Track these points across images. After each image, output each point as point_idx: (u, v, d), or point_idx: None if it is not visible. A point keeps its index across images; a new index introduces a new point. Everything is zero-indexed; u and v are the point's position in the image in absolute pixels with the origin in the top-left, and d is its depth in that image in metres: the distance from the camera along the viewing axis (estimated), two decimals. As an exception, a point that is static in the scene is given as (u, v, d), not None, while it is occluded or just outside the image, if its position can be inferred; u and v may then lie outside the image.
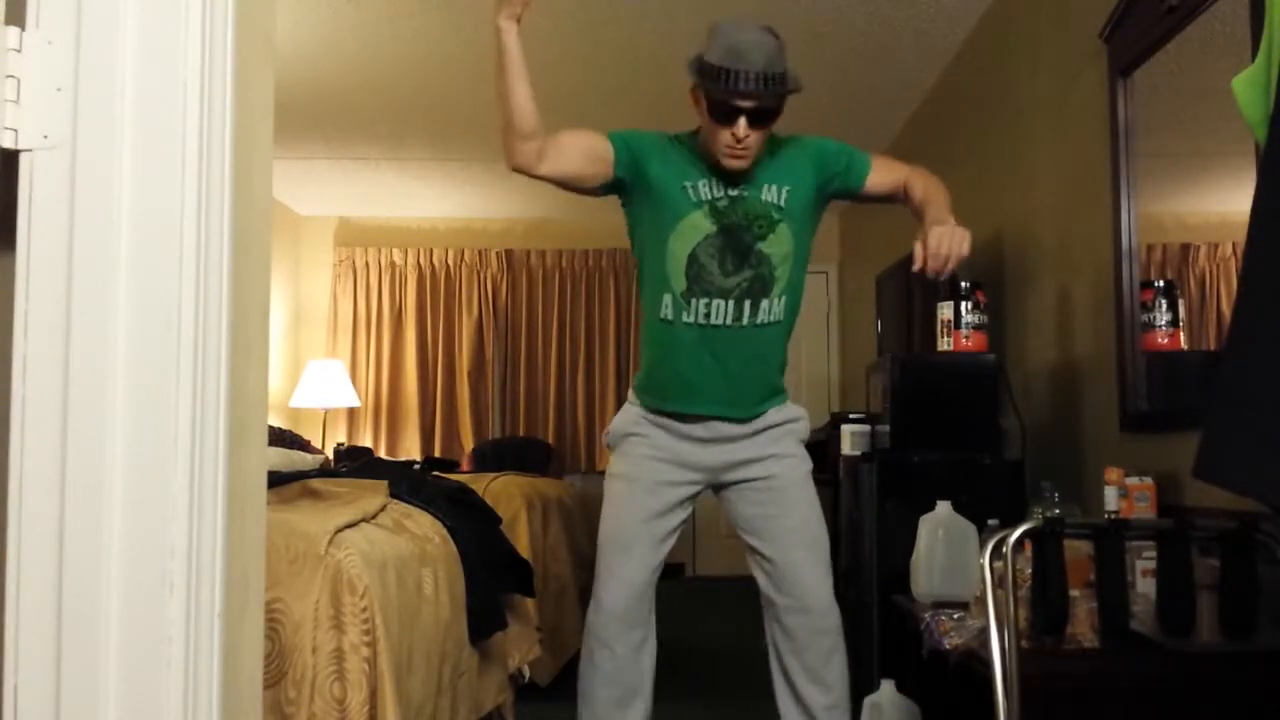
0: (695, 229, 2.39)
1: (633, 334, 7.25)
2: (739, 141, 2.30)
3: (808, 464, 2.58)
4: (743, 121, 2.28)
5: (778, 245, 2.43)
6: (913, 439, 3.21)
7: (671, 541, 2.55)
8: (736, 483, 2.53)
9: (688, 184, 2.40)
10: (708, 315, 2.41)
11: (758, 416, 2.50)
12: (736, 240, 2.40)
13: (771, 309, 2.45)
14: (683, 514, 2.55)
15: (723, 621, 5.54)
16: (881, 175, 2.53)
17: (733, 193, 2.41)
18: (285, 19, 4.16)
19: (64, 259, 1.14)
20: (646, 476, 2.49)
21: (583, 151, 2.39)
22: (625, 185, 2.44)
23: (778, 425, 2.53)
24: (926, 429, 3.22)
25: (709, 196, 2.40)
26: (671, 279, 2.42)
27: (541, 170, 2.35)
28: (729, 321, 2.42)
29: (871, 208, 6.49)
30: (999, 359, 3.38)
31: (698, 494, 2.58)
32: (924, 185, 2.49)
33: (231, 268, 1.22)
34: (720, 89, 2.26)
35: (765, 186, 2.42)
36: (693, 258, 2.40)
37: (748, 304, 2.42)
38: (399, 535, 2.43)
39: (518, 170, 2.36)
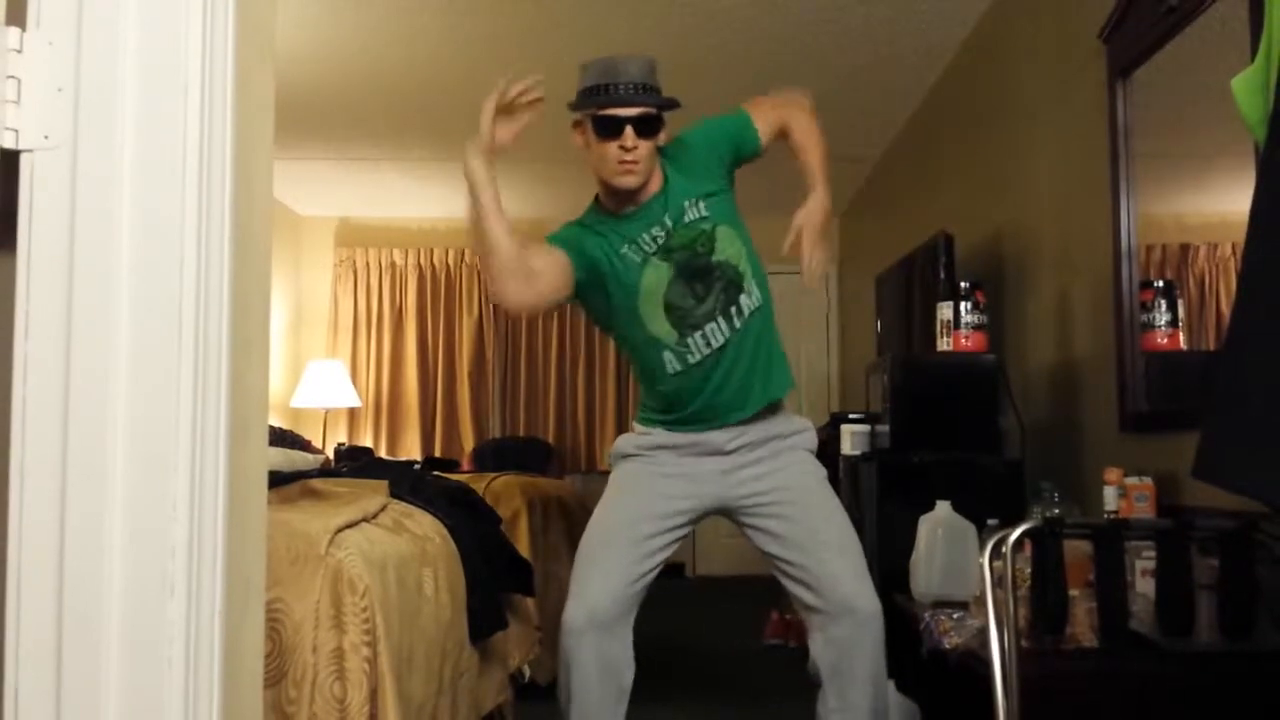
0: (657, 280, 2.39)
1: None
2: (628, 152, 2.30)
3: (822, 471, 2.52)
4: (629, 130, 2.29)
5: (726, 247, 2.42)
6: (913, 439, 3.21)
7: (656, 566, 2.44)
8: (753, 503, 2.44)
9: (627, 246, 2.39)
10: (708, 343, 2.40)
11: (765, 410, 2.46)
12: (692, 268, 2.40)
13: (750, 298, 2.45)
14: (676, 536, 2.46)
15: (723, 621, 5.55)
16: (765, 126, 2.52)
17: (658, 231, 2.39)
18: (285, 19, 4.16)
19: (65, 259, 1.14)
20: (649, 490, 2.44)
21: (555, 267, 2.39)
22: (581, 283, 2.43)
23: (784, 437, 2.48)
24: (926, 429, 3.22)
25: (649, 247, 2.39)
26: (662, 337, 2.40)
27: (543, 303, 2.44)
28: (727, 335, 2.41)
29: (871, 208, 6.49)
30: (999, 359, 3.38)
31: (695, 521, 2.50)
32: (800, 130, 2.51)
33: (232, 268, 1.22)
34: (600, 101, 2.30)
35: (685, 205, 2.40)
36: (668, 306, 2.39)
37: (732, 310, 2.42)
38: (399, 535, 2.44)
39: (522, 311, 2.41)
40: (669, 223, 2.40)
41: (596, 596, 2.33)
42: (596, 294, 2.44)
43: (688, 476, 2.45)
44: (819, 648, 2.38)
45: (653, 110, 2.31)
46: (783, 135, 2.54)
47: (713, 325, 2.40)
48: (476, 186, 2.27)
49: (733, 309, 2.41)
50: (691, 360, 2.40)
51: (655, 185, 2.40)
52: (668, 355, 2.41)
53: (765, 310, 2.48)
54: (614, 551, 2.38)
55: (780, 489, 2.43)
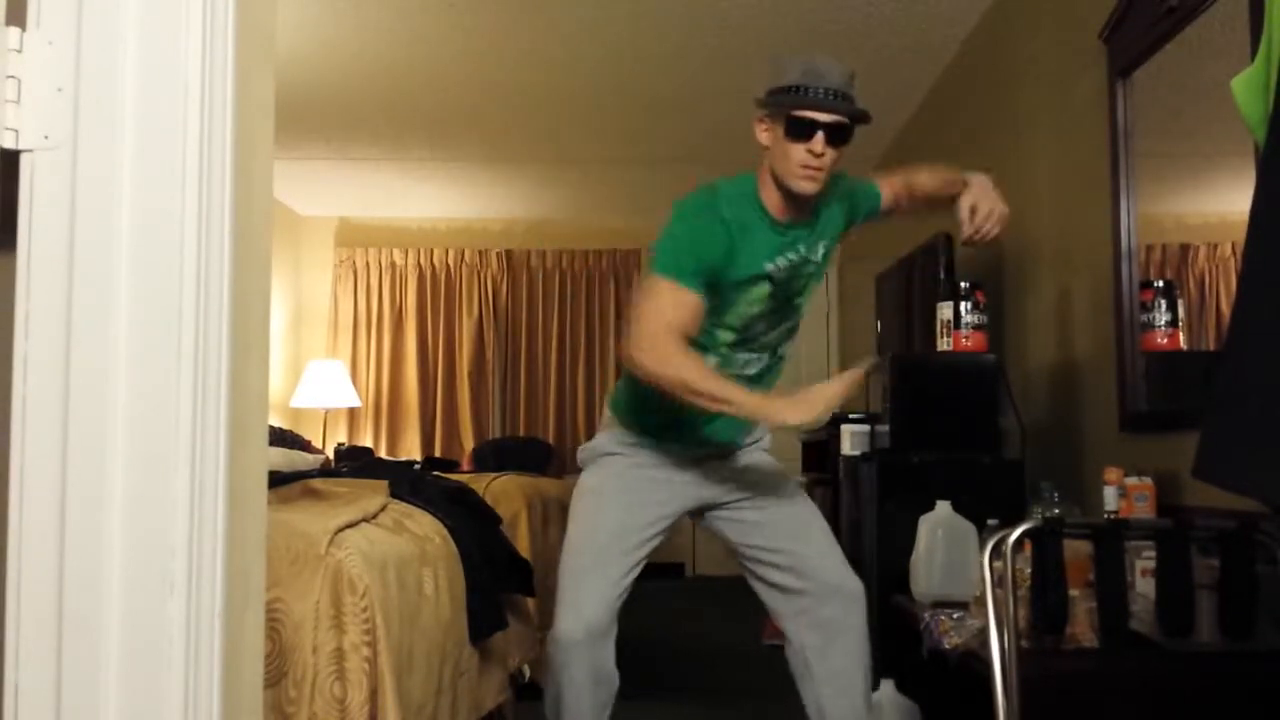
0: (757, 299, 2.32)
1: (633, 334, 7.24)
2: (817, 158, 2.23)
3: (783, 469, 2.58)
4: (820, 136, 2.22)
5: (810, 294, 2.44)
6: (913, 439, 3.21)
7: (639, 569, 2.40)
8: (733, 498, 2.46)
9: (767, 263, 2.30)
10: (745, 366, 2.38)
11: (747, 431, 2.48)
12: (785, 302, 2.38)
13: (790, 345, 2.48)
14: (660, 539, 2.44)
15: (723, 621, 5.54)
16: (888, 193, 2.56)
17: (793, 257, 2.33)
18: (285, 19, 4.16)
19: (65, 259, 1.14)
20: (634, 494, 2.39)
21: (695, 318, 2.26)
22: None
23: (759, 439, 2.54)
24: (926, 429, 3.22)
25: (776, 269, 2.32)
26: (720, 344, 2.34)
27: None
28: (760, 370, 2.41)
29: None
30: (999, 359, 3.38)
31: (676, 522, 2.49)
32: (927, 169, 2.53)
33: (232, 268, 1.22)
34: (799, 100, 2.23)
35: (821, 244, 2.38)
36: (743, 325, 2.34)
37: (779, 349, 2.44)
38: (399, 535, 2.43)
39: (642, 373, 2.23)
40: (803, 252, 2.35)
41: (593, 609, 2.29)
42: (712, 288, 2.28)
43: (671, 480, 2.42)
44: (804, 635, 2.39)
45: (847, 120, 2.25)
46: (903, 201, 2.55)
47: (761, 356, 2.40)
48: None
49: (780, 348, 2.45)
50: (727, 370, 2.34)
51: (809, 209, 2.34)
52: (711, 359, 2.33)
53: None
54: (607, 563, 2.33)
55: (757, 481, 2.46)
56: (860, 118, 2.28)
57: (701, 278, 2.21)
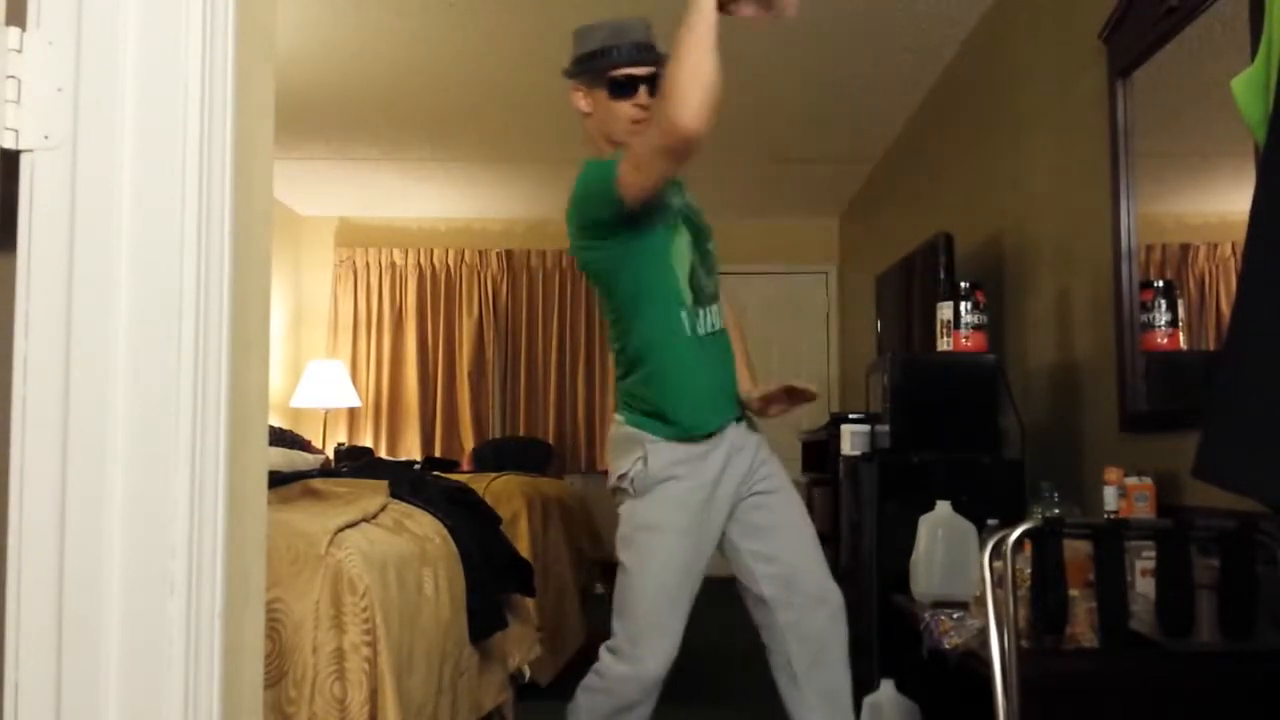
0: (682, 243, 2.37)
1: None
2: (644, 110, 2.31)
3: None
4: (643, 90, 2.32)
5: (714, 247, 2.47)
6: (913, 439, 3.21)
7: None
8: (751, 500, 2.42)
9: (674, 199, 2.37)
10: (711, 324, 2.39)
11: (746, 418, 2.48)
12: (702, 247, 2.41)
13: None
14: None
15: (722, 621, 5.54)
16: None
17: (678, 200, 2.39)
18: (285, 19, 4.16)
19: (65, 259, 1.14)
20: (702, 529, 2.33)
21: None
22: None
23: (758, 433, 2.52)
24: (926, 429, 3.22)
25: (677, 206, 2.37)
26: (683, 293, 2.34)
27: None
28: (716, 327, 2.41)
29: (871, 208, 6.49)
30: (999, 359, 3.38)
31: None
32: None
33: (232, 268, 1.22)
34: (615, 60, 2.32)
35: (684, 185, 2.44)
36: (691, 273, 2.37)
37: (714, 308, 2.43)
38: (399, 535, 2.44)
39: (698, 136, 2.11)
40: (682, 194, 2.41)
41: (673, 648, 2.31)
42: (639, 223, 2.28)
43: (720, 492, 2.35)
44: (790, 647, 2.36)
45: (660, 69, 2.31)
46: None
47: (714, 308, 2.42)
48: (707, 16, 2.19)
49: (714, 307, 2.43)
50: (700, 331, 2.35)
51: None
52: (684, 315, 2.33)
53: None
54: (681, 603, 2.32)
55: (771, 480, 2.45)
56: (665, 62, 2.26)
57: None
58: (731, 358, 2.46)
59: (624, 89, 2.33)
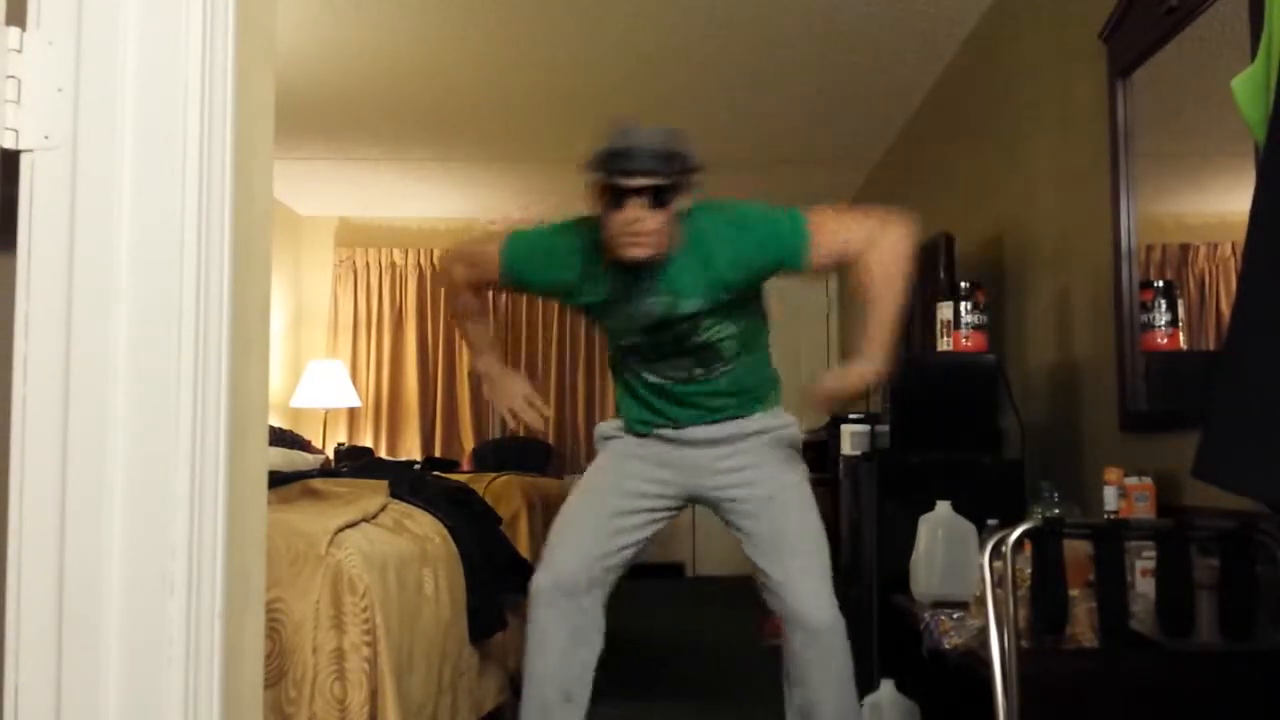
0: (630, 333, 2.41)
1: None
2: (630, 224, 2.17)
3: (799, 471, 2.50)
4: (637, 202, 2.16)
5: (718, 333, 2.38)
6: (913, 439, 3.21)
7: (628, 545, 2.46)
8: (726, 498, 2.46)
9: (608, 298, 2.37)
10: (668, 372, 2.45)
11: (731, 419, 2.47)
12: (674, 342, 2.40)
13: (725, 365, 2.44)
14: (648, 518, 2.48)
15: (722, 621, 5.54)
16: (825, 256, 2.35)
17: (646, 316, 2.34)
18: (285, 19, 4.16)
19: (65, 259, 1.14)
20: (618, 469, 2.51)
21: (486, 275, 2.56)
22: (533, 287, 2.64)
23: (763, 433, 2.48)
24: (926, 429, 3.22)
25: (632, 319, 2.37)
26: (630, 356, 2.50)
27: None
28: (691, 374, 2.44)
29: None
30: (999, 359, 3.38)
31: (671, 509, 2.52)
32: (878, 274, 2.31)
33: (232, 268, 1.22)
34: (606, 169, 2.17)
35: (682, 301, 2.30)
36: (636, 348, 2.45)
37: (699, 371, 2.44)
38: (399, 535, 2.44)
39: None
40: (658, 311, 2.32)
41: (561, 564, 2.41)
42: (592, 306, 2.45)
43: (660, 460, 2.49)
44: (787, 651, 2.42)
45: (663, 181, 2.16)
46: (848, 264, 2.37)
47: (682, 365, 2.44)
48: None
49: (698, 370, 2.44)
50: (652, 380, 2.47)
51: (657, 266, 2.27)
52: (633, 360, 2.49)
53: (751, 357, 2.49)
54: (581, 524, 2.46)
55: (755, 485, 2.44)
56: (679, 174, 2.19)
57: (515, 276, 2.47)
58: (711, 393, 2.45)
59: (613, 200, 2.18)
